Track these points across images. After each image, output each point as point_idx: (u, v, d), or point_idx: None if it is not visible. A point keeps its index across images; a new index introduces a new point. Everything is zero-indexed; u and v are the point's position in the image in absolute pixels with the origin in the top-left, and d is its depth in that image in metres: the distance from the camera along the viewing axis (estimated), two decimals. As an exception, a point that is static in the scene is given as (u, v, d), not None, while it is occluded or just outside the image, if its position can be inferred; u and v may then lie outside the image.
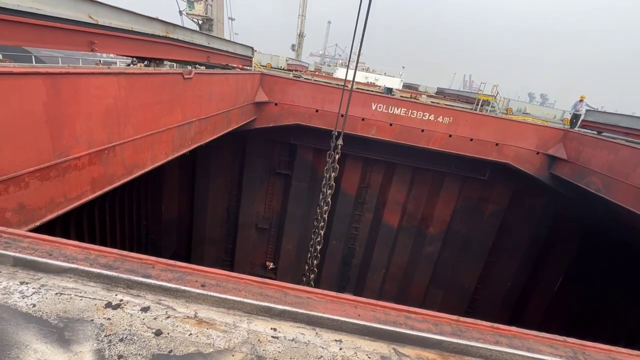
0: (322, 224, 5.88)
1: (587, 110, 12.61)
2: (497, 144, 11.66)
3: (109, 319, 1.33)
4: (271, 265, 16.67)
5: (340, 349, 1.38)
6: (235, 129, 10.87)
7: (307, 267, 6.47)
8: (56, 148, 4.30)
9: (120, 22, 6.31)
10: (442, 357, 1.41)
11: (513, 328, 1.63)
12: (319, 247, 5.78)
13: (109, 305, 1.40)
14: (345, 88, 6.47)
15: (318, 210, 6.60)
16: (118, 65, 10.16)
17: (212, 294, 1.46)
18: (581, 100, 12.69)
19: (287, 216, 15.95)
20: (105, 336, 1.25)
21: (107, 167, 5.42)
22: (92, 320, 1.31)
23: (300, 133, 14.01)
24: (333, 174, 5.89)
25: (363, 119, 12.38)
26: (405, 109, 12.15)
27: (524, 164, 11.74)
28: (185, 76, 7.24)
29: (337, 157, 6.11)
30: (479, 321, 1.64)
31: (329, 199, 5.95)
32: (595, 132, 11.74)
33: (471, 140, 11.68)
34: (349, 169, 15.06)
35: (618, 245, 12.49)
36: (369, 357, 1.36)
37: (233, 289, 1.56)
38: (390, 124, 12.31)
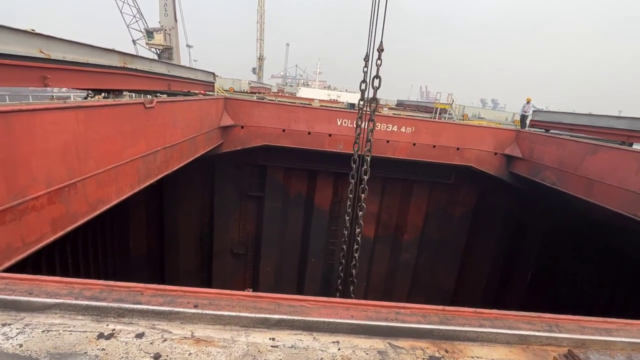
0: (355, 246, 5.79)
1: (533, 111, 13.69)
2: (458, 149, 12.29)
3: (103, 349, 1.29)
4: (250, 291, 16.22)
5: (339, 349, 1.42)
6: (202, 154, 10.73)
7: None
8: (11, 189, 4.08)
9: (75, 55, 6.19)
10: (434, 345, 1.49)
11: (494, 311, 1.75)
12: (354, 272, 5.68)
13: (101, 336, 1.36)
14: (366, 112, 6.68)
15: (346, 233, 6.42)
16: (73, 99, 9.81)
17: (206, 312, 1.46)
18: (528, 102, 13.78)
19: (263, 238, 15.72)
20: (101, 366, 1.21)
21: (68, 205, 5.17)
22: (85, 352, 1.26)
23: (269, 154, 14.05)
24: (363, 195, 5.87)
25: (330, 135, 12.66)
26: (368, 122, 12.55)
27: (484, 165, 12.43)
28: (147, 105, 7.13)
29: (365, 178, 6.05)
30: (462, 308, 1.75)
31: (361, 221, 5.90)
32: (543, 130, 12.72)
33: (434, 147, 12.25)
34: (321, 185, 15.20)
35: (576, 234, 13.39)
36: (367, 354, 1.41)
37: (226, 306, 1.56)
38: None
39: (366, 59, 5.85)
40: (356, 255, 5.50)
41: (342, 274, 6.10)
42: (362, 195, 5.63)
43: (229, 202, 15.34)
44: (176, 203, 14.79)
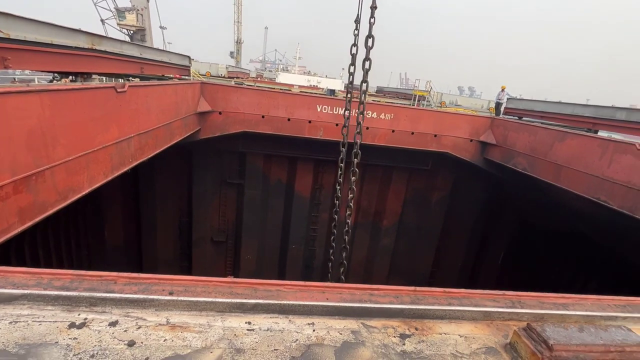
0: (346, 229, 5.65)
1: (507, 99, 14.07)
2: (435, 136, 12.53)
3: (75, 338, 1.28)
4: (231, 278, 16.20)
5: (314, 330, 1.46)
6: (179, 141, 10.45)
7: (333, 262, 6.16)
8: (-28, 180, 3.87)
9: (38, 35, 5.83)
10: (405, 323, 1.57)
11: (462, 290, 1.84)
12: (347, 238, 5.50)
13: (72, 325, 1.34)
14: (355, 100, 6.39)
15: (336, 217, 6.24)
16: (37, 82, 9.29)
17: (182, 298, 1.47)
18: (502, 90, 14.14)
19: (244, 226, 15.64)
20: (74, 355, 1.20)
21: (36, 195, 4.96)
22: (56, 342, 1.25)
23: (248, 140, 13.85)
24: (356, 160, 5.59)
25: (310, 122, 12.59)
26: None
27: (461, 151, 12.74)
28: (118, 90, 6.84)
29: (355, 161, 5.74)
30: (433, 288, 1.83)
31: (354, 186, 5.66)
32: (516, 118, 13.12)
33: (412, 133, 12.43)
34: (301, 172, 15.18)
35: (545, 217, 14.07)
36: (341, 333, 1.46)
37: (202, 292, 1.57)
38: (337, 124, 12.66)
39: (357, 20, 5.55)
40: (346, 237, 5.51)
41: (332, 257, 6.12)
42: (353, 178, 5.57)
43: (207, 190, 15.10)
44: (153, 191, 14.42)
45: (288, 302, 1.54)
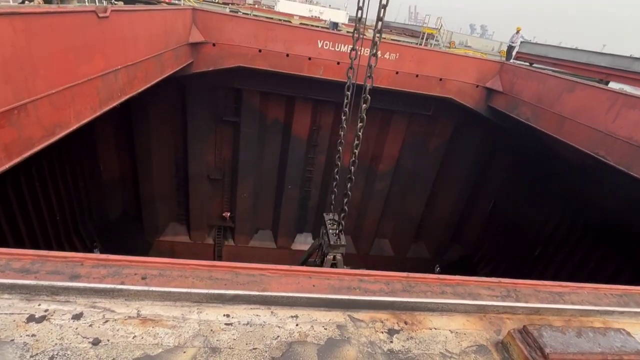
0: (348, 176, 5.48)
1: (521, 42, 13.08)
2: (440, 79, 11.87)
3: (33, 335, 1.18)
4: (228, 215, 16.59)
5: (297, 324, 1.39)
6: (170, 74, 9.82)
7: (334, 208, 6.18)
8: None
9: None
10: (394, 316, 1.50)
11: (456, 277, 1.76)
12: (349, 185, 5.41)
13: (31, 318, 1.23)
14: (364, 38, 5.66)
15: (341, 144, 5.97)
16: (10, 3, 8.38)
17: (154, 289, 1.36)
18: (517, 32, 13.06)
19: (240, 165, 15.55)
20: (31, 357, 1.10)
21: (20, 130, 4.74)
22: (12, 340, 1.15)
23: (244, 76, 13.08)
24: (365, 105, 5.15)
25: (310, 59, 11.77)
26: (350, 47, 11.70)
27: (465, 98, 12.20)
28: (100, 15, 6.16)
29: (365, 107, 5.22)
30: (426, 275, 1.75)
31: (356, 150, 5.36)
32: (527, 64, 12.34)
33: (417, 76, 11.75)
34: (299, 112, 14.66)
35: (538, 170, 14.08)
36: (325, 328, 1.39)
37: (179, 277, 1.46)
38: (338, 63, 11.88)
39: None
40: (349, 184, 5.41)
41: (333, 203, 6.18)
42: (360, 124, 5.24)
43: (203, 127, 14.70)
44: (146, 127, 14.02)
45: (270, 294, 1.44)
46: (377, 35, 4.96)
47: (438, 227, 17.11)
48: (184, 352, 1.19)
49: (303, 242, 17.55)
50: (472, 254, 17.45)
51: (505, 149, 14.95)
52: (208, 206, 16.54)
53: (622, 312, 1.69)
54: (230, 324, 1.34)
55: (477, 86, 12.10)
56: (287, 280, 1.55)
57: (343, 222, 5.68)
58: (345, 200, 5.52)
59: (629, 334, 1.38)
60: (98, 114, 6.77)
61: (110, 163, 14.46)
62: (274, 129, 15.24)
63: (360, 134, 5.42)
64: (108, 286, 1.33)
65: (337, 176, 6.03)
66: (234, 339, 1.28)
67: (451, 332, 1.49)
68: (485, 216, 16.81)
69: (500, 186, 16.03)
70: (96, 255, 1.46)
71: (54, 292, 1.30)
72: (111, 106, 7.07)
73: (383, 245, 18.31)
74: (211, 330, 1.30)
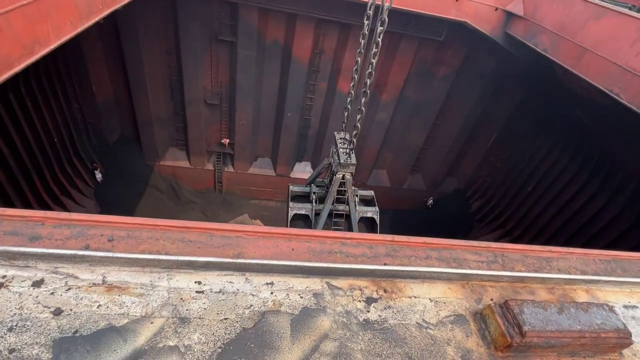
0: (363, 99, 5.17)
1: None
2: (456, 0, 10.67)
3: (-9, 303, 1.14)
4: (227, 142, 16.46)
5: (272, 292, 1.36)
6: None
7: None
8: None
9: None
10: (374, 283, 1.47)
11: (443, 241, 1.70)
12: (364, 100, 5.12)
13: (-11, 285, 1.18)
14: None
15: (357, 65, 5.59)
16: None
17: (120, 255, 1.28)
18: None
19: (238, 90, 14.89)
20: (-12, 328, 1.07)
21: (-4, 47, 4.51)
22: (-31, 309, 1.11)
23: (239, -13, 11.79)
24: (381, 27, 4.63)
25: (312, -32, 10.43)
26: (360, -44, 10.28)
27: (481, 22, 11.10)
28: None
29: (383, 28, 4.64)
30: (412, 238, 1.68)
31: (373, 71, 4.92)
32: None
33: (431, -5, 10.54)
34: (300, 33, 13.51)
35: (547, 103, 13.51)
36: (301, 297, 1.36)
37: (149, 239, 1.38)
38: (345, -26, 10.57)
39: None
40: (363, 99, 5.15)
41: (345, 121, 6.02)
42: (375, 49, 4.80)
43: (197, 46, 13.71)
44: (137, 45, 13.09)
45: (244, 261, 1.37)
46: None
47: (436, 160, 17.12)
48: (151, 323, 1.17)
49: (302, 171, 17.72)
50: (466, 187, 17.77)
51: (515, 83, 14.14)
52: (206, 132, 16.29)
53: (606, 281, 1.67)
54: (202, 292, 1.31)
55: (497, 9, 10.91)
56: (265, 243, 1.48)
57: (355, 140, 5.57)
58: (359, 117, 5.33)
59: (611, 309, 1.36)
60: (79, 29, 6.32)
61: (103, 84, 13.86)
62: (273, 51, 14.21)
63: (373, 61, 4.93)
64: (71, 252, 1.25)
65: (352, 91, 5.76)
66: (205, 309, 1.26)
67: (431, 300, 1.47)
68: (484, 151, 16.70)
69: (504, 121, 15.58)
70: (57, 214, 1.37)
71: (11, 256, 1.24)
72: (94, 21, 6.58)
73: (380, 176, 18.50)
74: (181, 298, 1.27)
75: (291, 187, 6.54)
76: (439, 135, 16.50)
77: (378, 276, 1.51)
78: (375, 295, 1.45)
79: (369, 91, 5.20)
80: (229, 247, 1.42)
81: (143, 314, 1.21)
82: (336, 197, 5.92)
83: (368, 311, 1.39)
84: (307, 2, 12.11)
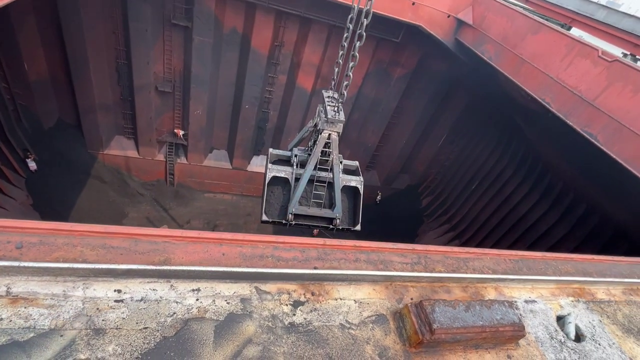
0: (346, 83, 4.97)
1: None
2: (413, 3, 11.04)
3: None
4: (181, 133, 15.73)
5: (197, 299, 1.35)
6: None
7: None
8: None
9: None
10: (302, 287, 1.52)
11: (372, 244, 1.79)
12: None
13: None
14: None
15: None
16: None
17: (28, 264, 1.20)
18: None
19: (192, 78, 14.25)
20: None
21: None
22: None
23: (195, -29, 11.23)
24: (366, 20, 4.40)
25: (272, -43, 10.22)
26: (322, -50, 10.25)
27: (434, 27, 11.62)
28: None
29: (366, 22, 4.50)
30: (343, 241, 1.75)
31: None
32: (504, -3, 11.76)
33: (390, -4, 10.81)
34: (260, 23, 13.22)
35: (491, 106, 14.58)
36: (228, 302, 1.37)
37: (65, 246, 1.30)
38: (305, -32, 10.49)
39: None
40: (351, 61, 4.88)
41: (335, 78, 5.64)
42: (358, 43, 4.70)
43: (148, 29, 12.88)
44: (79, 22, 11.98)
45: (170, 268, 1.35)
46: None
47: (390, 157, 17.73)
48: (61, 336, 1.11)
49: (260, 165, 17.47)
50: (418, 183, 18.64)
51: (464, 86, 15.06)
52: (158, 121, 15.45)
53: (512, 279, 1.87)
54: (121, 301, 1.27)
55: (449, 16, 11.48)
56: (195, 248, 1.47)
57: (345, 93, 5.11)
58: (352, 64, 4.99)
59: (510, 304, 1.53)
60: (5, 2, 5.68)
61: (37, 62, 12.54)
62: (231, 39, 13.76)
63: (357, 54, 4.81)
64: (-31, 261, 1.14)
65: (344, 43, 5.41)
66: (123, 318, 1.22)
67: (355, 301, 1.56)
68: (435, 150, 17.61)
69: (454, 122, 16.55)
70: (-42, 219, 1.24)
71: None
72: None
73: (338, 171, 18.79)
74: (97, 308, 1.22)
75: (271, 150, 6.00)
76: (393, 133, 17.09)
77: (307, 280, 1.56)
78: (302, 299, 1.50)
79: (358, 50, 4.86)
80: (155, 253, 1.38)
81: (52, 327, 1.14)
82: (319, 162, 5.48)
83: (294, 314, 1.44)
84: (267, -8, 11.88)
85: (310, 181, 5.53)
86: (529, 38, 9.51)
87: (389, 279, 1.69)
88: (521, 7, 10.81)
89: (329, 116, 5.13)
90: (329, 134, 5.27)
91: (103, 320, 1.20)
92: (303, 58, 14.27)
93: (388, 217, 17.38)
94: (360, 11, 4.95)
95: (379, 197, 18.75)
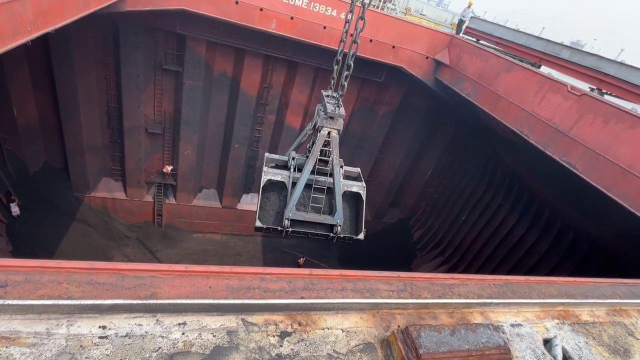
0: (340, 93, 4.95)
1: (471, 17, 13.32)
2: (393, 47, 11.79)
3: None
4: (169, 170, 15.73)
5: (183, 333, 1.34)
6: (97, 10, 8.60)
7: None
8: None
9: None
10: (289, 317, 1.52)
11: (358, 272, 1.83)
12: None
13: None
14: None
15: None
16: None
17: (12, 302, 1.19)
18: (469, 6, 13.24)
19: (182, 120, 14.57)
20: None
21: None
22: None
23: (188, 21, 11.89)
24: (347, 72, 4.62)
25: (261, 9, 10.94)
26: (307, 1, 11.05)
27: (414, 68, 12.34)
28: None
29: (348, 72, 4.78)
30: (329, 271, 1.78)
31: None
32: (474, 40, 12.68)
33: (371, 41, 11.54)
34: (249, 67, 13.84)
35: (474, 140, 15.13)
36: (214, 335, 1.37)
37: (50, 283, 1.31)
38: (292, 18, 11.20)
39: None
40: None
41: (339, 58, 5.48)
42: (346, 83, 4.88)
43: (140, 74, 13.33)
44: (72, 69, 12.34)
45: (156, 302, 1.36)
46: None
47: (380, 192, 17.92)
48: (43, 375, 1.09)
49: (250, 203, 17.43)
50: (409, 217, 18.73)
51: (447, 120, 15.72)
52: (147, 162, 15.52)
53: (497, 303, 1.90)
54: (106, 337, 1.26)
55: (427, 57, 12.25)
56: (182, 282, 1.48)
57: (346, 83, 4.84)
58: (352, 52, 4.90)
59: (496, 328, 1.56)
60: (1, 50, 5.83)
61: (27, 106, 12.69)
62: (220, 82, 14.30)
63: (345, 83, 4.94)
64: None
65: (343, 39, 5.39)
66: (107, 355, 1.21)
67: (343, 331, 1.56)
68: (423, 183, 17.93)
69: (439, 155, 17.04)
70: (-57, 259, 1.24)
71: None
72: (19, 42, 6.11)
73: (328, 207, 18.82)
74: (81, 346, 1.21)
75: (267, 155, 5.61)
76: (382, 168, 17.43)
77: (294, 310, 1.57)
78: (289, 329, 1.50)
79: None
80: (142, 288, 1.39)
81: (34, 366, 1.12)
82: (317, 166, 5.03)
83: (281, 345, 1.43)
84: (256, 39, 12.55)
85: (309, 186, 5.12)
86: (502, 76, 10.17)
87: (376, 307, 1.70)
88: (493, 48, 11.66)
89: (329, 110, 4.84)
90: (329, 132, 4.97)
91: (86, 357, 1.18)
92: (291, 98, 14.82)
93: (380, 252, 17.23)
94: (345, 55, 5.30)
95: (363, 234, 18.66)
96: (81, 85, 12.83)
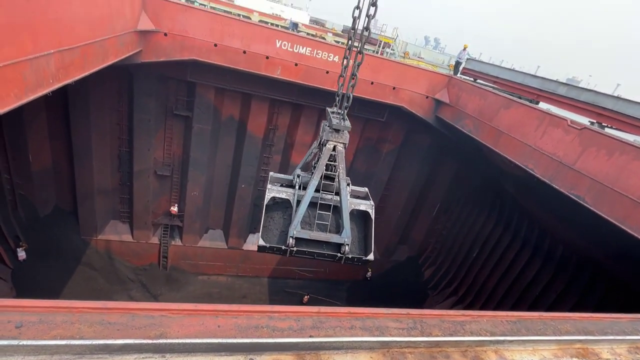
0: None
1: (467, 59, 13.97)
2: (394, 88, 12.28)
3: None
4: (175, 212, 15.84)
5: None
6: (115, 63, 9.16)
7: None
8: None
9: None
10: (298, 357, 1.50)
11: (366, 310, 1.81)
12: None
13: None
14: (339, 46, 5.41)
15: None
16: None
17: (27, 342, 1.21)
18: (464, 49, 13.96)
19: (191, 162, 14.94)
20: None
21: None
22: None
23: (198, 70, 12.59)
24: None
25: (267, 57, 11.60)
26: (310, 49, 11.73)
27: (415, 107, 12.74)
28: (30, -10, 5.57)
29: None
30: (337, 308, 1.77)
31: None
32: (472, 79, 13.18)
33: (372, 83, 12.05)
34: (256, 111, 14.40)
35: (479, 176, 15.14)
36: None
37: (63, 323, 1.33)
38: (296, 64, 11.84)
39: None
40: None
41: (339, 93, 5.49)
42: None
43: (151, 120, 13.90)
44: (87, 116, 12.95)
45: (165, 341, 1.36)
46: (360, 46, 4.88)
47: (387, 229, 17.71)
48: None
49: (256, 243, 17.29)
50: (418, 254, 18.31)
51: (451, 157, 15.88)
52: (154, 204, 15.71)
53: (511, 341, 1.84)
54: (115, 378, 1.25)
55: (427, 97, 12.69)
56: (191, 321, 1.48)
57: (351, 96, 4.82)
58: (358, 63, 4.87)
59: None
60: (23, 101, 6.14)
61: (42, 153, 13.16)
62: (228, 126, 14.83)
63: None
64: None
65: (348, 51, 5.39)
66: (115, 396, 1.20)
67: (352, 371, 1.52)
68: (431, 219, 17.72)
69: (444, 191, 17.00)
70: (-38, 300, 1.28)
71: None
72: (41, 94, 6.44)
73: (335, 246, 18.56)
74: (90, 387, 1.20)
75: (272, 174, 5.52)
76: (388, 205, 17.38)
77: (302, 349, 1.54)
78: (298, 370, 1.46)
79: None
80: (152, 328, 1.39)
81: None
82: (324, 182, 4.93)
83: (290, 387, 1.39)
84: (262, 84, 13.17)
85: (314, 204, 4.95)
86: (502, 112, 10.42)
87: (386, 346, 1.66)
88: (491, 87, 12.10)
89: (334, 122, 4.81)
90: (334, 146, 4.91)
91: (95, 399, 1.16)
92: (296, 139, 15.23)
93: (390, 291, 16.68)
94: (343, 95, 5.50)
95: (369, 273, 18.22)
96: (95, 131, 13.37)
